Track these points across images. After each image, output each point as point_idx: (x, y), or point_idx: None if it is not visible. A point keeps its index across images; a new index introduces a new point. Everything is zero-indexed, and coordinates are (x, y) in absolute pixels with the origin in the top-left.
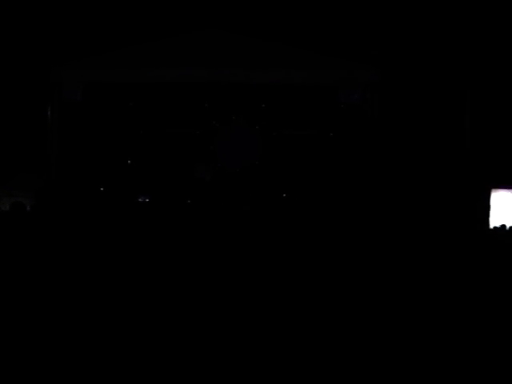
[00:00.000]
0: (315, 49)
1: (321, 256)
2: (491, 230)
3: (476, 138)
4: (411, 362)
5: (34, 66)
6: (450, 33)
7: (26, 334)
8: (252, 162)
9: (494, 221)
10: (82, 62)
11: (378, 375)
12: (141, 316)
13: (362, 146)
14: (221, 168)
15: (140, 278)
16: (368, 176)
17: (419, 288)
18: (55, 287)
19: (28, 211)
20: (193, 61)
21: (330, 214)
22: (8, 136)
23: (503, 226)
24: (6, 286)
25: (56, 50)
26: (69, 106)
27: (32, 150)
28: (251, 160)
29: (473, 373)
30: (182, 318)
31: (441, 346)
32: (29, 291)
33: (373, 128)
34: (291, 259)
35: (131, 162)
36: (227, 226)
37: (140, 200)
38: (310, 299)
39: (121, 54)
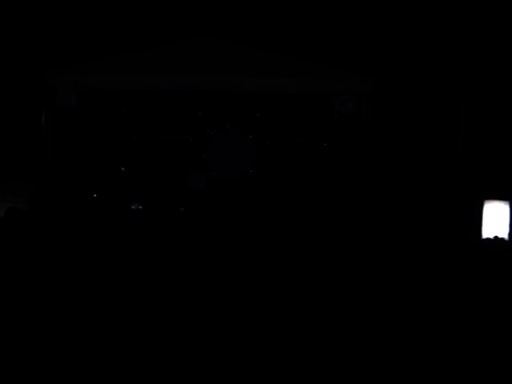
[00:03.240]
0: (310, 58)
1: (314, 265)
2: (483, 240)
3: (469, 148)
4: (404, 364)
5: (28, 71)
6: (444, 43)
7: (19, 337)
8: (246, 171)
9: (487, 232)
10: (77, 67)
11: (375, 375)
12: (132, 323)
13: (355, 156)
14: (214, 176)
15: (133, 284)
16: (362, 185)
17: (411, 297)
18: (49, 292)
19: (22, 216)
20: (187, 68)
21: (324, 223)
22: (1, 141)
23: (495, 237)
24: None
25: (51, 55)
26: (63, 112)
27: (25, 156)
28: (245, 168)
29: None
30: (173, 326)
31: (432, 351)
32: (23, 296)
33: (366, 138)
34: (286, 267)
35: (124, 169)
36: (221, 235)
37: (133, 207)
38: (303, 311)
39: (116, 60)
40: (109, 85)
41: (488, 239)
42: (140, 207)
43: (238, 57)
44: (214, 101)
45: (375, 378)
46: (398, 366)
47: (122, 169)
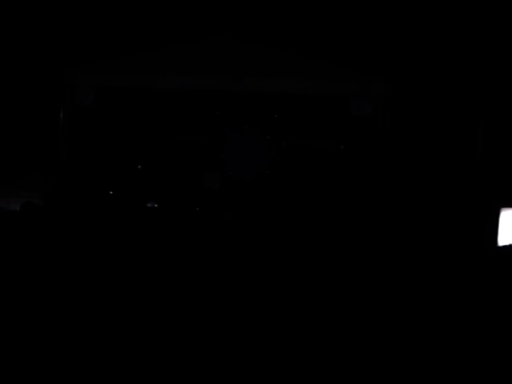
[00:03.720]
0: (328, 60)
1: (326, 267)
2: (499, 248)
3: (487, 155)
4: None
5: (46, 69)
6: (465, 50)
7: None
8: (262, 172)
9: (503, 240)
10: (94, 65)
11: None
12: (142, 319)
13: (372, 160)
14: (230, 177)
15: (145, 282)
16: (378, 189)
17: (424, 303)
18: (61, 288)
19: (37, 211)
20: (205, 68)
21: (339, 226)
22: (19, 137)
23: (511, 245)
24: (12, 286)
25: (69, 52)
26: (80, 109)
27: (42, 153)
28: (261, 170)
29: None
30: (182, 325)
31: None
32: (35, 291)
33: (384, 142)
34: (298, 268)
35: (141, 168)
36: (234, 235)
37: (149, 205)
38: (310, 312)
39: (133, 59)
40: (126, 83)
41: (504, 247)
42: (155, 205)
43: (257, 58)
44: (231, 101)
45: (373, 378)
46: (399, 367)
47: (139, 167)
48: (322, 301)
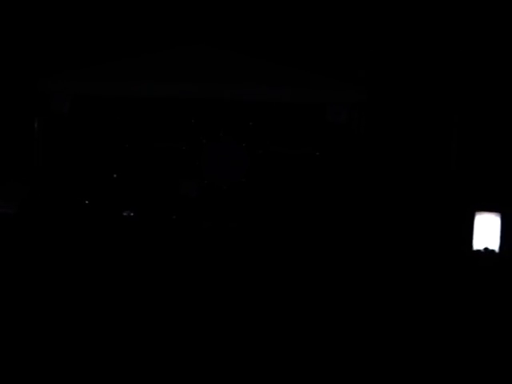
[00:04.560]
0: (303, 67)
1: (305, 275)
2: (473, 252)
3: (461, 159)
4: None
5: (21, 77)
6: (437, 55)
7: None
8: (238, 179)
9: (478, 243)
10: (70, 73)
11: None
12: (117, 330)
13: (348, 165)
14: (207, 184)
15: (124, 292)
16: (354, 195)
17: (403, 305)
18: (35, 298)
19: (10, 221)
20: (181, 76)
21: (317, 232)
22: None
23: (486, 249)
24: None
25: (44, 61)
26: (56, 118)
27: (18, 161)
28: (238, 177)
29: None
30: (161, 336)
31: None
32: (10, 303)
33: (359, 148)
34: (278, 276)
35: (117, 176)
36: (213, 243)
37: (125, 214)
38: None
39: (109, 67)
40: (102, 92)
41: (478, 251)
42: (132, 214)
43: (232, 65)
44: (207, 109)
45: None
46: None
47: (114, 175)
48: (300, 307)
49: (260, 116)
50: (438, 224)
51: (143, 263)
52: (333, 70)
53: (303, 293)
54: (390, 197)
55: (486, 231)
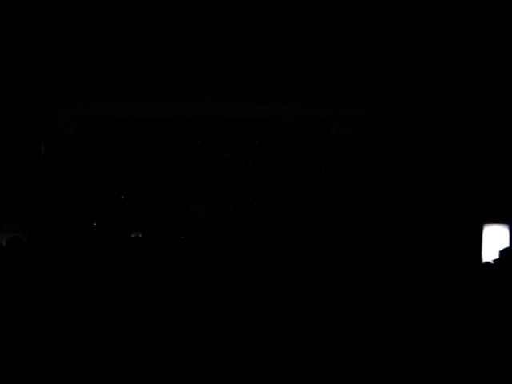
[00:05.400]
0: (307, 84)
1: (311, 292)
2: (483, 264)
3: (468, 172)
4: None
5: (27, 101)
6: (441, 68)
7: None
8: (245, 198)
9: (487, 256)
10: (76, 96)
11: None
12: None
13: (354, 182)
14: (214, 204)
15: (132, 312)
16: (361, 210)
17: (408, 321)
18: (48, 324)
19: (22, 247)
20: (186, 96)
21: (323, 249)
22: (1, 170)
23: (495, 261)
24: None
25: (50, 84)
26: (62, 141)
27: (25, 185)
28: (244, 196)
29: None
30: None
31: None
32: (22, 327)
33: (365, 163)
34: (285, 296)
35: (124, 198)
36: (221, 262)
37: (133, 236)
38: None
39: (114, 89)
40: (108, 114)
41: (488, 262)
42: (140, 235)
43: (236, 84)
44: (212, 128)
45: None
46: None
47: (122, 197)
48: (308, 326)
49: (265, 134)
50: (447, 237)
51: (152, 283)
52: (336, 87)
53: (311, 312)
54: (397, 211)
55: (494, 243)
